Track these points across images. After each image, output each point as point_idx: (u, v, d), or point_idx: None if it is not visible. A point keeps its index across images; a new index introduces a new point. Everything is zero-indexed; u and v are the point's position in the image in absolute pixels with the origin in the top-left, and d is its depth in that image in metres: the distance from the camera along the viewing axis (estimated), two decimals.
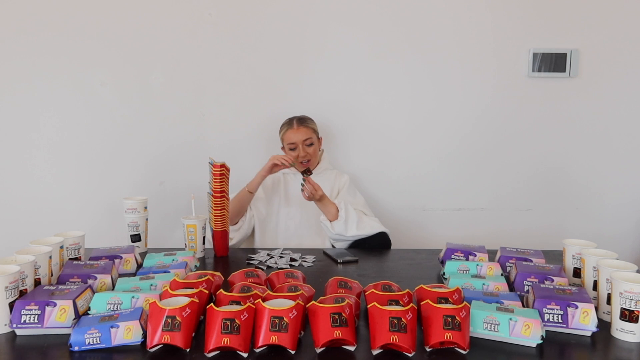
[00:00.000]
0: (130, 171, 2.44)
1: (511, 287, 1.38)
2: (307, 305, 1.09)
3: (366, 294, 1.20)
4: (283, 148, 2.20)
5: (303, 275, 1.39)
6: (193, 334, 1.08)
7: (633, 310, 1.11)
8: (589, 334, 1.15)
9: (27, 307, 1.14)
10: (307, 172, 1.98)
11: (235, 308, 1.05)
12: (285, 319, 1.05)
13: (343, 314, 1.05)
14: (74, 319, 1.14)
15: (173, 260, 1.55)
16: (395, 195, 2.50)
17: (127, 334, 1.06)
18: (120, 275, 1.50)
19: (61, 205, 2.43)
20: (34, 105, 2.38)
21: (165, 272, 1.42)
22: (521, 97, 2.44)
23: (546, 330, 1.13)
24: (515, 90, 2.43)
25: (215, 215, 1.77)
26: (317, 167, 2.19)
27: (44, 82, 2.37)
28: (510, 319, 1.09)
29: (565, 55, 2.38)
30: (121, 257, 1.56)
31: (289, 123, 2.15)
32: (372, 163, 2.49)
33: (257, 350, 1.06)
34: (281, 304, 1.10)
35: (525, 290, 1.34)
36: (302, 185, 1.93)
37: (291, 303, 1.08)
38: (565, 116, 2.45)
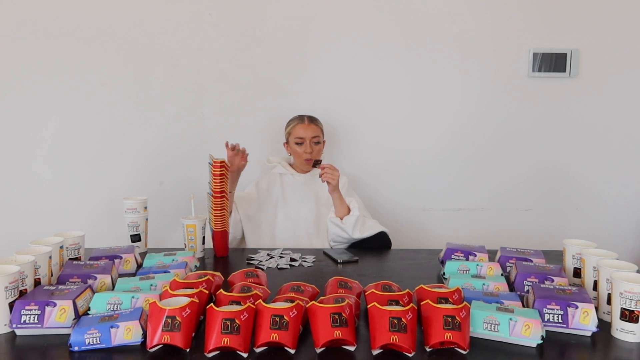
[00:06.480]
0: (130, 171, 2.44)
1: (511, 287, 1.38)
2: (307, 305, 1.09)
3: (366, 294, 1.20)
4: (286, 143, 2.19)
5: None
6: (193, 334, 1.08)
7: (633, 311, 1.11)
8: (589, 334, 1.15)
9: (27, 307, 1.13)
10: (317, 163, 2.00)
11: (235, 308, 1.05)
12: (285, 317, 1.05)
13: (343, 314, 1.05)
14: (73, 319, 1.14)
15: (173, 260, 1.55)
16: (395, 195, 2.50)
17: (127, 334, 1.06)
18: (120, 276, 1.50)
19: (61, 205, 2.43)
20: (33, 105, 2.38)
21: (165, 272, 1.42)
22: (521, 97, 2.44)
23: (546, 331, 1.13)
24: (515, 90, 2.43)
25: (215, 216, 1.77)
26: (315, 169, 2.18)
27: (43, 82, 2.37)
28: (511, 319, 1.09)
29: (565, 55, 2.38)
30: (121, 257, 1.56)
31: (300, 118, 2.16)
32: (372, 163, 2.49)
33: (257, 350, 1.06)
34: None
35: (525, 290, 1.34)
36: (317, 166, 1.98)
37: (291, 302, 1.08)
38: (565, 116, 2.45)
